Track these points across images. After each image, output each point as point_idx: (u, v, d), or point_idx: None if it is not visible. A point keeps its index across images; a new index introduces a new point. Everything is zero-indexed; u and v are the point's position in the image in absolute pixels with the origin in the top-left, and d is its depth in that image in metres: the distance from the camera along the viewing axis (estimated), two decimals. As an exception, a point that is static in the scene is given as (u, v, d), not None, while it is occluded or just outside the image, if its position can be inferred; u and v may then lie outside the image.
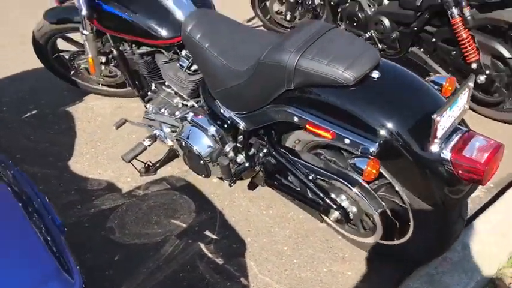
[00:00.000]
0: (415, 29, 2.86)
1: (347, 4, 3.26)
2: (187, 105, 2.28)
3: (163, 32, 2.03)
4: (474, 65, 2.64)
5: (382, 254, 2.02)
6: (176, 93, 2.33)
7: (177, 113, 2.25)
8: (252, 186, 2.45)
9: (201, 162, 2.12)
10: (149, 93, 2.51)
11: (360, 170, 1.48)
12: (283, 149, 1.91)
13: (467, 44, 2.61)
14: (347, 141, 1.53)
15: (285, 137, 1.93)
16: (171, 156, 2.54)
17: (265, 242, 2.18)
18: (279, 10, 3.92)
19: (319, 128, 1.60)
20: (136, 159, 2.38)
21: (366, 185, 1.73)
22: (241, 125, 1.94)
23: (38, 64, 3.06)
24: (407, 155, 1.47)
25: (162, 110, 2.32)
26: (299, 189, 2.02)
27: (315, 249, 2.13)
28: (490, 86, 2.68)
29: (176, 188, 2.49)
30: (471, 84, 1.47)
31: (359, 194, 1.73)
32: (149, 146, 2.38)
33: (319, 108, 1.60)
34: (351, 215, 1.83)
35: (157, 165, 2.49)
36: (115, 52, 2.43)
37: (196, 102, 2.24)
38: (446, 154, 1.43)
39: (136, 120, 2.61)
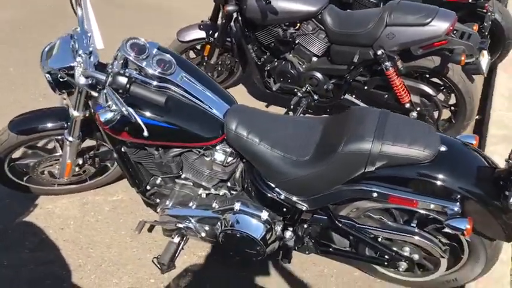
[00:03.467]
0: (350, 80, 3.32)
1: (275, 63, 3.56)
2: (217, 194, 2.30)
3: (206, 135, 2.05)
4: (407, 105, 3.20)
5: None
6: (195, 183, 2.34)
7: (215, 205, 2.26)
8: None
9: (258, 248, 2.19)
10: (149, 187, 2.44)
11: (461, 229, 1.79)
12: (345, 219, 2.13)
13: (401, 89, 3.15)
14: (432, 206, 1.85)
15: (342, 207, 2.15)
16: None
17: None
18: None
19: (403, 200, 1.88)
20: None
21: (427, 233, 2.07)
22: (304, 207, 2.09)
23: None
24: (482, 205, 1.84)
25: (190, 203, 2.31)
26: (354, 250, 2.27)
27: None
28: (421, 120, 3.27)
29: (204, 274, 2.49)
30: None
31: (424, 241, 2.06)
32: (180, 242, 2.34)
33: (400, 183, 1.88)
34: (416, 261, 2.17)
35: (175, 256, 2.46)
36: (115, 154, 2.32)
37: (229, 190, 2.30)
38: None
39: (150, 218, 2.53)
